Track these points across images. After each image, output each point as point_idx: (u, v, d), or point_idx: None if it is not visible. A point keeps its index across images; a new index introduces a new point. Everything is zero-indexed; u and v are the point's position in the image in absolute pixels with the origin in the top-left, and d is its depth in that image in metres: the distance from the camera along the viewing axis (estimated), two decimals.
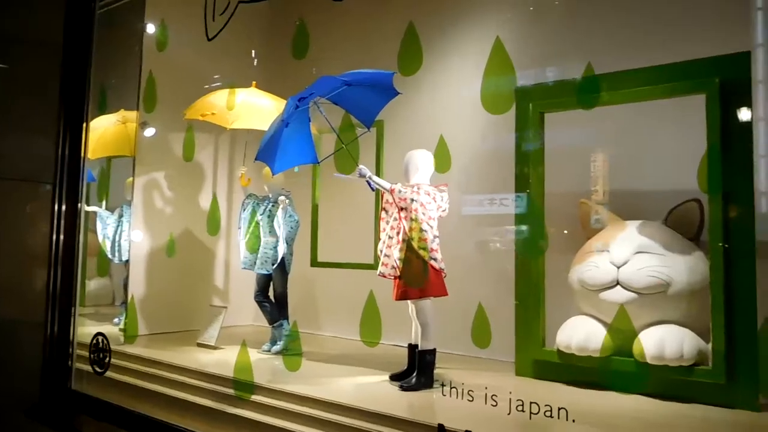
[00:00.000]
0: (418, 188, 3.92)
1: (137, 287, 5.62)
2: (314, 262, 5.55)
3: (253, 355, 4.87)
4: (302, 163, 4.64)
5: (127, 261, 6.17)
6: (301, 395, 3.64)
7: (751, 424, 3.30)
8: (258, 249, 4.95)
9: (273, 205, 5.02)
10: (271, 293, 5.09)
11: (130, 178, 6.16)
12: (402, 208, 3.87)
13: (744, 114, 3.54)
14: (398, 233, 3.89)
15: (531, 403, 3.03)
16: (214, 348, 5.08)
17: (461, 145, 4.58)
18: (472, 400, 3.32)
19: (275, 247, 4.92)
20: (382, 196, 4.11)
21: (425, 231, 3.84)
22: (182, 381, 4.22)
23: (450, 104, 4.58)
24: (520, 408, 3.06)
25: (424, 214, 3.85)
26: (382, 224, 4.08)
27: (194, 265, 6.14)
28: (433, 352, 3.89)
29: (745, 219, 3.51)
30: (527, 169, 4.27)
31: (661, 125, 4.30)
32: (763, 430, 3.27)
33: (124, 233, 6.20)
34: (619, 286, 3.82)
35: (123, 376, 4.56)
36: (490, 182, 4.46)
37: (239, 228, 5.17)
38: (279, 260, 4.88)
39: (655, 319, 3.78)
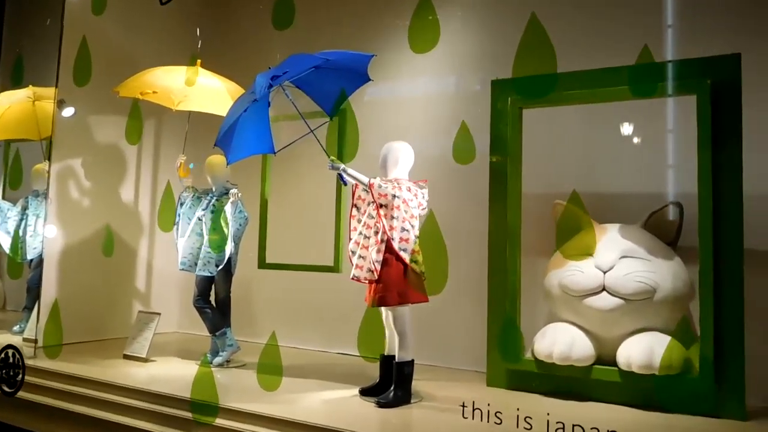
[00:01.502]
0: (399, 183, 3.56)
1: (49, 290, 4.84)
2: (262, 264, 5.03)
3: (191, 367, 4.33)
4: (257, 153, 4.17)
5: (32, 260, 5.41)
6: (267, 416, 3.18)
7: None
8: (201, 248, 4.40)
9: (217, 200, 4.48)
10: (212, 298, 4.54)
11: (39, 165, 5.38)
12: (382, 205, 3.50)
13: (734, 116, 3.48)
14: (376, 233, 3.51)
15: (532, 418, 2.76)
16: (145, 360, 4.46)
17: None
18: (501, 422, 2.94)
19: (219, 247, 4.39)
20: (353, 192, 3.73)
21: (407, 231, 3.49)
22: (118, 402, 3.60)
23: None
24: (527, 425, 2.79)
25: (406, 211, 3.50)
26: (353, 222, 3.69)
27: (122, 266, 5.44)
28: (411, 363, 3.55)
29: (734, 223, 3.45)
30: (503, 168, 4.04)
31: (631, 126, 4.23)
32: None
33: (30, 228, 5.40)
34: (605, 292, 3.65)
35: (39, 396, 3.86)
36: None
37: (176, 224, 4.58)
38: (225, 261, 4.35)
39: (639, 326, 3.64)
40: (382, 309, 3.63)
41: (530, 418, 2.69)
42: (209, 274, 4.41)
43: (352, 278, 3.58)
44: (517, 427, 2.67)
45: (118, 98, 4.31)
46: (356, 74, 3.82)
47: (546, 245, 4.20)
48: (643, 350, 3.49)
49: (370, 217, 3.60)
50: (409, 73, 4.70)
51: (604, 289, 3.65)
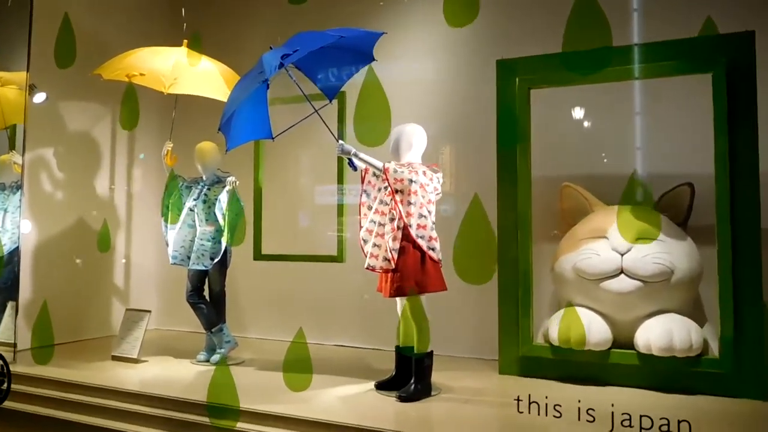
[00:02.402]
0: (414, 168, 3.40)
1: (25, 289, 4.49)
2: (258, 255, 4.79)
3: (188, 367, 4.10)
4: (254, 139, 3.94)
5: (2, 258, 5.04)
6: (287, 417, 3.00)
7: (763, 413, 3.19)
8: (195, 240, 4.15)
9: (209, 189, 4.23)
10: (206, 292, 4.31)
11: (4, 156, 4.99)
12: (398, 191, 3.33)
13: (749, 94, 3.44)
14: (392, 220, 3.34)
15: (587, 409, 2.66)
16: (136, 361, 4.20)
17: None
18: (561, 415, 2.82)
19: (214, 239, 4.15)
20: (363, 177, 3.55)
21: (424, 217, 3.34)
22: (118, 408, 3.36)
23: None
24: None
25: (423, 197, 3.34)
26: (364, 209, 3.52)
27: (99, 263, 5.11)
28: (430, 355, 3.41)
29: (750, 203, 3.42)
30: (512, 151, 3.92)
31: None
32: None
33: None
34: (623, 275, 3.59)
35: (28, 405, 3.57)
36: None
37: (164, 216, 4.31)
38: (221, 254, 4.11)
39: (656, 308, 3.61)
40: (397, 299, 3.49)
41: (592, 410, 2.59)
42: (203, 268, 4.17)
43: (367, 268, 3.41)
44: (579, 419, 2.56)
45: (102, 81, 3.98)
46: (361, 54, 3.62)
47: (552, 228, 4.13)
48: (663, 333, 3.46)
49: (383, 203, 3.43)
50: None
51: (622, 271, 3.60)
